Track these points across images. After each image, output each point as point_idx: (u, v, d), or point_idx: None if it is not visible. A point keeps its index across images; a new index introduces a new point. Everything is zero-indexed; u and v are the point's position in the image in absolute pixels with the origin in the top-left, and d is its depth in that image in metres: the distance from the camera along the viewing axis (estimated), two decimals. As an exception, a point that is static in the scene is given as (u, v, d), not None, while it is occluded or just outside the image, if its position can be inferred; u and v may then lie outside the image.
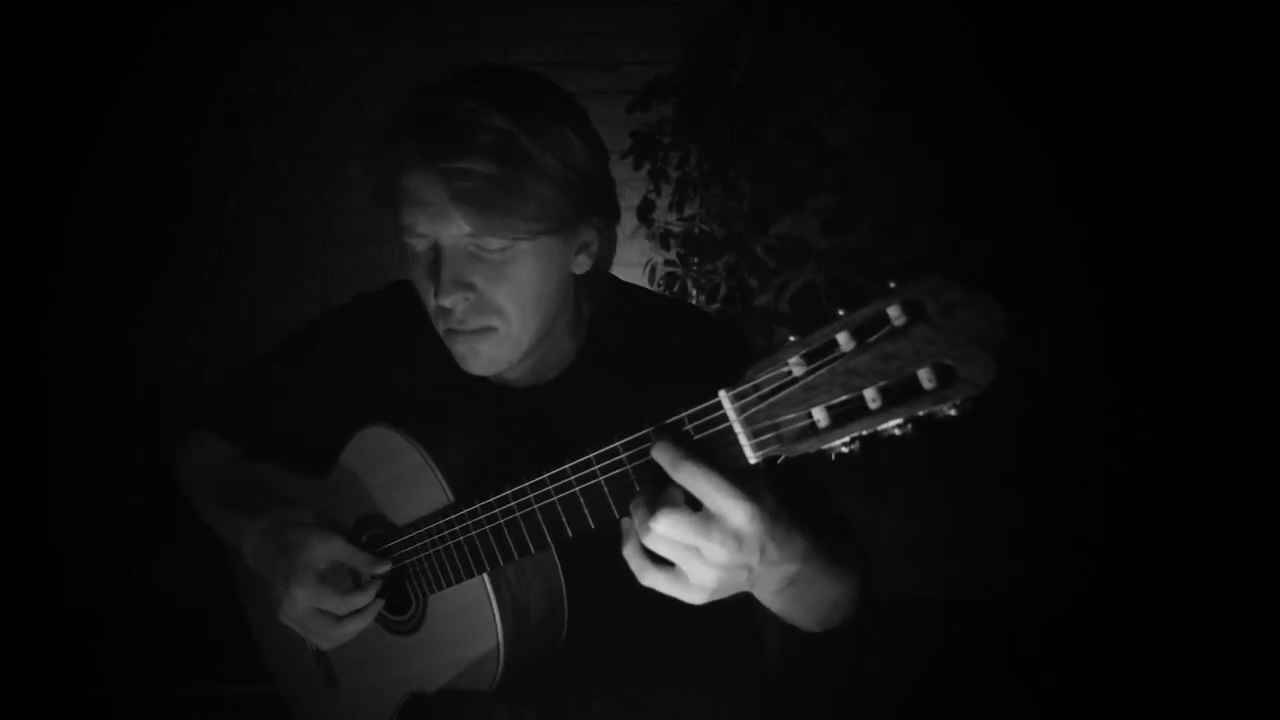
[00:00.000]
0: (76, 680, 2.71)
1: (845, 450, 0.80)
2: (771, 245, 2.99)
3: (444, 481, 1.14)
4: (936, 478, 3.03)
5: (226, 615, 1.61)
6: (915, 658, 2.74)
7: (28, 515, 3.02)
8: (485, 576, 1.11)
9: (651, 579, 0.90)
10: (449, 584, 1.15)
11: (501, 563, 1.08)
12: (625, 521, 0.93)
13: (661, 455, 0.87)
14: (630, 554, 0.91)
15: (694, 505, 0.87)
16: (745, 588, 0.93)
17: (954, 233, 3.03)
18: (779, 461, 0.84)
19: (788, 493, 0.92)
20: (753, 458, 0.84)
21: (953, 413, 0.73)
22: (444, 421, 1.20)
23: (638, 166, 2.91)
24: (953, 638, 2.88)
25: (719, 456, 0.86)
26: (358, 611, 1.19)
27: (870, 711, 2.40)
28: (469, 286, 1.14)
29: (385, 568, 1.19)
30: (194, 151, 3.04)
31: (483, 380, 1.27)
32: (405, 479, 1.18)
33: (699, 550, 0.87)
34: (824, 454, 0.81)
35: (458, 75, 1.16)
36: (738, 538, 0.87)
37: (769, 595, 0.99)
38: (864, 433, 0.77)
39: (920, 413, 0.74)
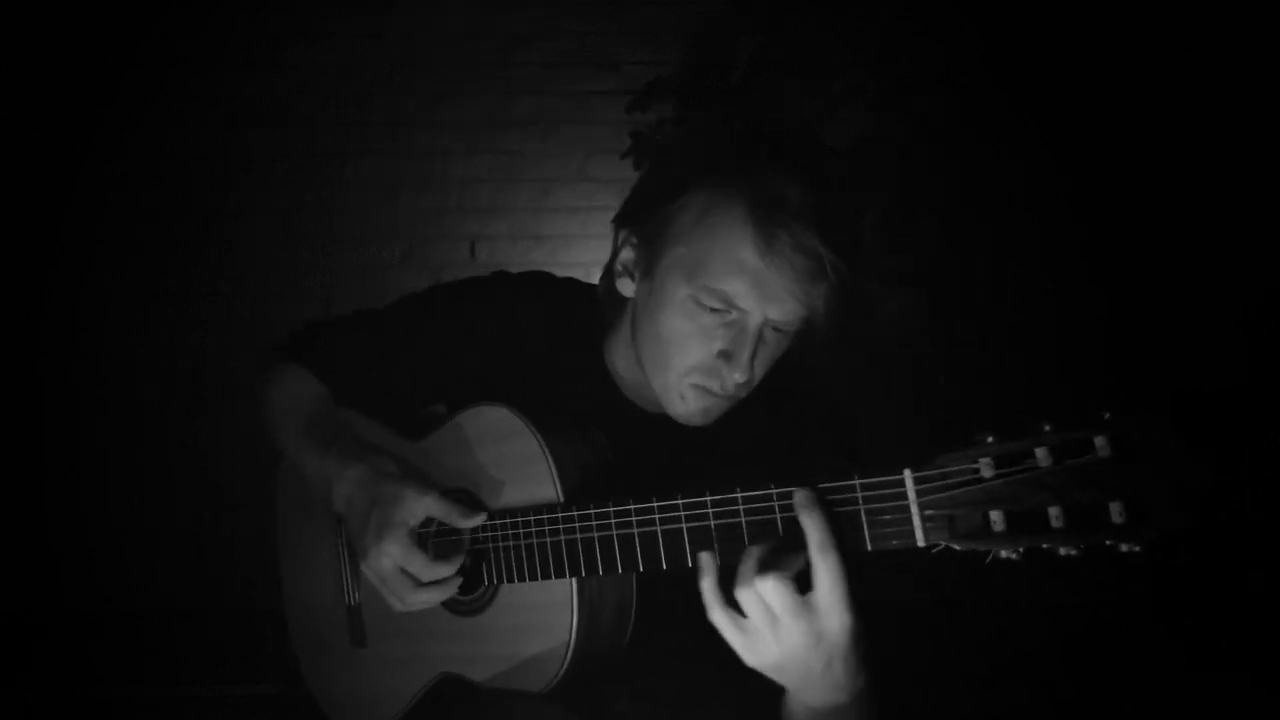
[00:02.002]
0: (76, 680, 2.70)
1: (1014, 558, 0.82)
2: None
3: (556, 478, 1.13)
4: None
5: (226, 615, 1.61)
6: (922, 664, 2.74)
7: (28, 515, 3.02)
8: (573, 580, 1.10)
9: (720, 619, 0.94)
10: (534, 578, 1.13)
11: (601, 572, 1.07)
12: (704, 557, 0.98)
13: (813, 529, 0.90)
14: (709, 589, 0.96)
15: (800, 586, 0.91)
16: (791, 685, 0.96)
17: (954, 233, 3.03)
18: (934, 551, 0.87)
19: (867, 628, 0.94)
20: (921, 540, 0.87)
21: (1138, 549, 0.76)
22: (562, 421, 1.19)
23: (637, 166, 2.91)
24: (954, 642, 2.88)
25: (890, 533, 0.89)
26: (438, 581, 1.17)
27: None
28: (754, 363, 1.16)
29: (481, 519, 1.17)
30: (194, 151, 3.04)
31: (604, 394, 1.28)
32: (514, 464, 1.16)
33: (779, 624, 0.91)
34: (987, 554, 0.83)
35: (804, 169, 1.14)
36: (820, 637, 0.90)
37: (803, 708, 1.00)
38: (1043, 546, 0.80)
39: (1105, 543, 0.77)
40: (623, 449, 1.20)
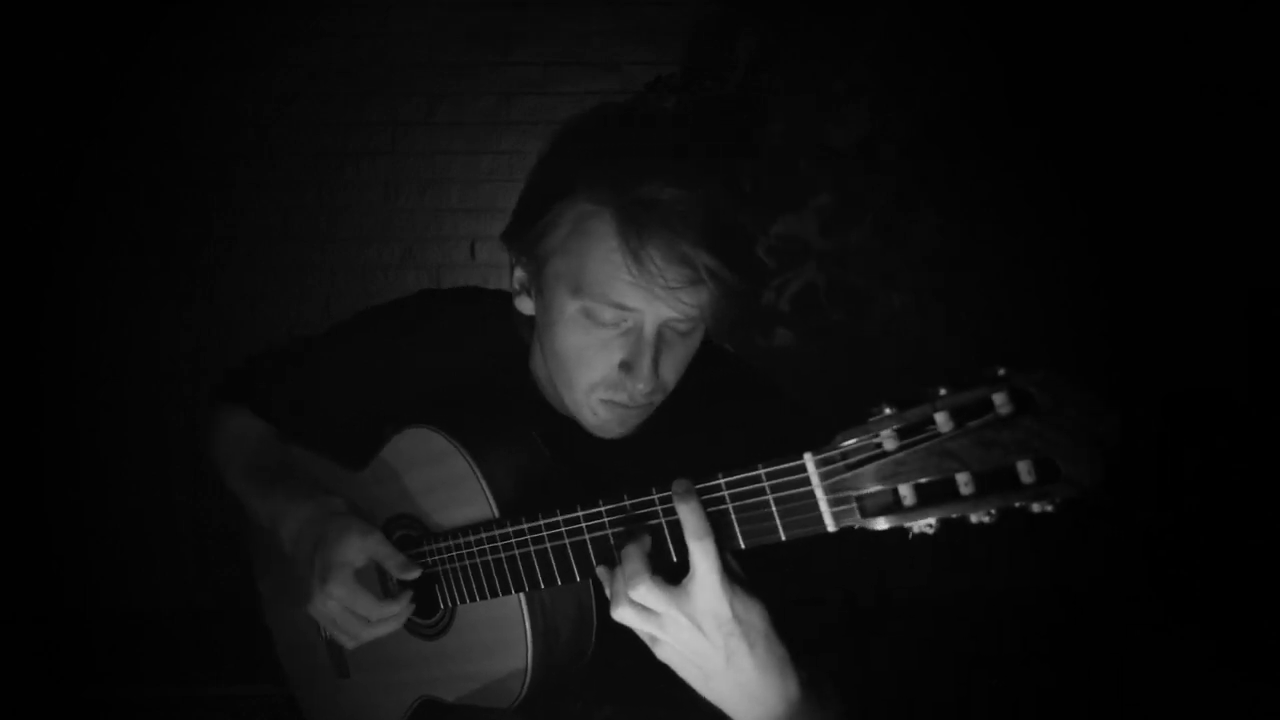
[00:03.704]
0: (76, 680, 2.70)
1: (928, 530, 0.77)
2: (771, 245, 3.00)
3: (489, 494, 1.11)
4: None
5: (227, 615, 1.61)
6: (913, 657, 2.74)
7: (28, 515, 3.02)
8: (521, 595, 1.09)
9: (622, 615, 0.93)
10: (483, 597, 1.12)
11: (543, 585, 1.06)
12: (601, 570, 0.98)
13: (689, 516, 0.88)
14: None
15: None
16: (700, 686, 0.93)
17: (954, 232, 3.03)
18: (855, 528, 0.82)
19: (794, 633, 0.92)
20: (830, 525, 0.82)
21: (1050, 509, 0.72)
22: (491, 435, 1.17)
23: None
24: (952, 637, 2.88)
25: (800, 520, 0.84)
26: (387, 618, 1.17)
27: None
28: (658, 369, 1.11)
29: (415, 574, 1.16)
30: (194, 151, 3.04)
31: (533, 407, 1.25)
32: (447, 485, 1.15)
33: (664, 619, 0.90)
34: (902, 531, 0.79)
35: (666, 158, 1.09)
36: (699, 620, 0.88)
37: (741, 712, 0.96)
38: (952, 516, 0.75)
39: (1015, 504, 0.72)
40: (557, 460, 1.18)
